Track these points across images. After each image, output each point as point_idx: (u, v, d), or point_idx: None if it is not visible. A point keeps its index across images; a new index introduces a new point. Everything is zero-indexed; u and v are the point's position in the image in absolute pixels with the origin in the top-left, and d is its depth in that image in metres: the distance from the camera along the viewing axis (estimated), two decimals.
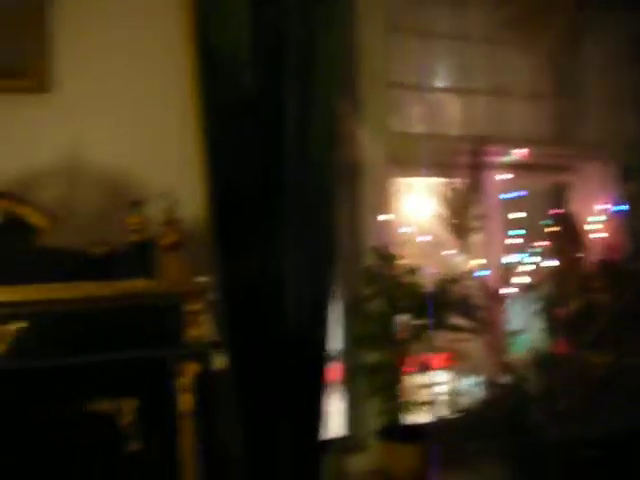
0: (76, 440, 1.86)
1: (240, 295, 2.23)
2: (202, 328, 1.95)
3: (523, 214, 2.95)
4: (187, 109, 2.29)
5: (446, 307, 2.63)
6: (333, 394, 2.56)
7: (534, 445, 2.60)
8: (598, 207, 3.26)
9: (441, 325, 2.60)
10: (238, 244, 2.27)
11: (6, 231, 1.86)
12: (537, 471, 2.61)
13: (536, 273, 2.88)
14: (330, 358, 2.46)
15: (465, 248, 2.76)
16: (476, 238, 2.81)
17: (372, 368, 2.55)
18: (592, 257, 3.00)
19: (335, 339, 2.50)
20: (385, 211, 2.69)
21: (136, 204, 1.94)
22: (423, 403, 2.65)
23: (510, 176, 2.99)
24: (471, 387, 2.86)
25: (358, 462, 2.59)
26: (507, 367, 2.78)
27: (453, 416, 2.74)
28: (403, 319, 2.56)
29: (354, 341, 2.60)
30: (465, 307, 2.69)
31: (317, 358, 2.39)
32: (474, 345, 2.82)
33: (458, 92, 3.03)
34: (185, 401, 1.93)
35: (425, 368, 2.74)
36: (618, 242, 3.21)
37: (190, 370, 1.93)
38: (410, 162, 2.74)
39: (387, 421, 2.58)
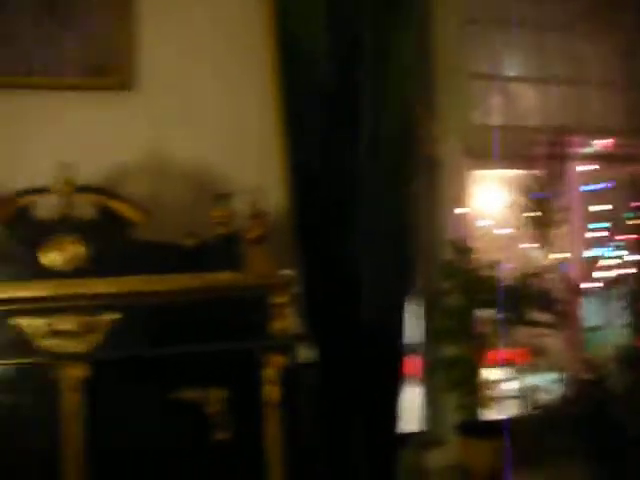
0: (167, 427, 1.92)
1: (320, 288, 2.25)
2: (287, 321, 1.97)
3: (606, 206, 2.87)
4: (268, 103, 2.32)
5: (526, 301, 2.58)
6: (411, 388, 2.55)
7: (615, 442, 2.54)
8: None
9: (520, 320, 2.55)
10: (318, 237, 2.29)
11: (102, 225, 1.92)
12: (618, 469, 2.55)
13: (619, 267, 2.80)
14: (408, 352, 2.45)
15: (545, 241, 2.71)
16: (557, 231, 2.75)
17: (450, 362, 2.53)
18: None
19: (413, 333, 2.50)
20: (463, 204, 2.66)
21: (222, 197, 1.97)
22: (501, 398, 2.61)
23: (592, 167, 2.91)
24: (550, 383, 2.80)
25: (436, 457, 2.57)
26: (588, 363, 2.71)
27: (532, 412, 2.69)
28: (482, 313, 2.53)
29: (432, 335, 2.58)
30: (545, 302, 2.64)
31: (395, 352, 2.39)
32: (553, 340, 2.77)
33: (536, 82, 2.96)
34: (271, 392, 1.96)
35: (504, 363, 2.71)
36: None
37: (276, 362, 1.96)
38: (488, 154, 2.70)
39: (465, 416, 2.55)
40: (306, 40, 2.29)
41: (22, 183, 1.92)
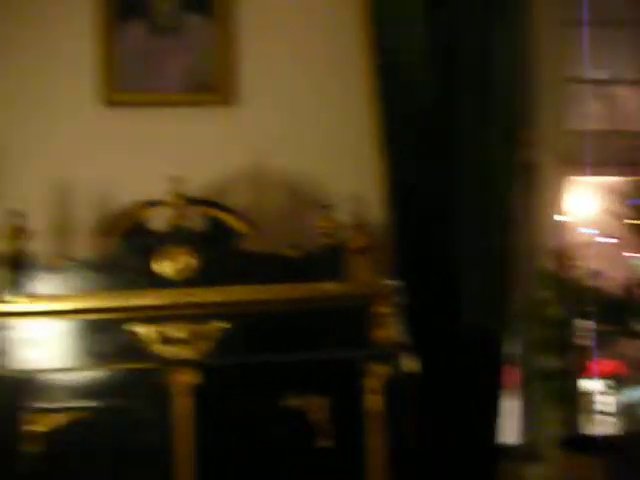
0: (271, 432, 1.97)
1: (418, 298, 2.25)
2: (390, 330, 1.98)
3: None
4: (366, 115, 2.35)
5: (629, 312, 2.49)
6: (508, 399, 2.51)
7: None
8: None
9: (625, 332, 2.47)
10: (416, 247, 2.30)
11: (211, 236, 1.99)
12: None
13: None
14: (506, 362, 2.42)
15: None
16: None
17: (550, 374, 2.48)
18: None
19: (511, 343, 2.45)
20: (562, 211, 2.60)
21: (326, 208, 2.01)
22: (605, 413, 2.53)
23: None
24: None
25: (535, 472, 2.51)
26: None
27: (636, 428, 2.59)
28: (583, 324, 2.46)
29: (531, 345, 2.53)
30: None
31: (494, 362, 2.36)
32: None
33: (636, 85, 2.86)
34: (373, 402, 1.98)
35: (604, 376, 2.62)
36: None
37: (378, 371, 1.97)
38: (587, 160, 2.62)
39: (566, 430, 2.49)
40: (403, 51, 2.31)
41: (136, 196, 2.03)
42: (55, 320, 1.91)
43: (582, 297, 2.47)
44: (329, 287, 1.97)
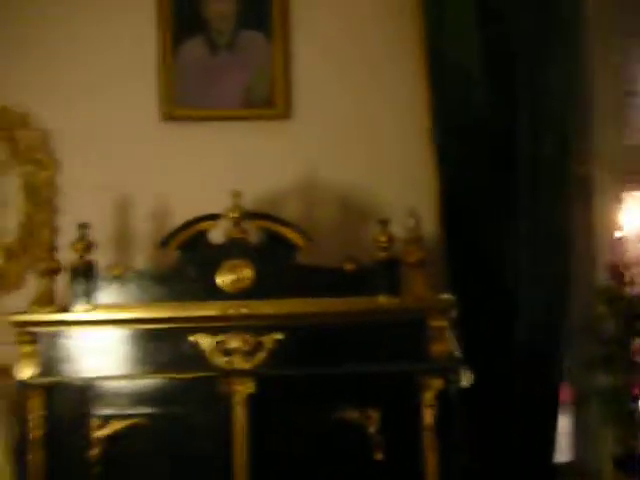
0: (326, 442, 1.98)
1: (474, 312, 2.24)
2: (446, 344, 1.97)
3: None
4: (418, 129, 2.37)
5: None
6: (563, 417, 2.47)
7: None
8: None
9: None
10: (470, 261, 2.29)
11: (268, 249, 2.03)
12: None
13: None
14: (562, 379, 2.38)
15: None
16: None
17: (606, 392, 2.43)
18: None
19: (567, 359, 2.42)
20: (619, 227, 2.56)
21: (383, 223, 2.02)
22: None
23: None
24: None
25: None
26: None
27: None
28: None
29: (587, 363, 2.48)
30: None
31: (551, 378, 2.33)
32: None
33: None
34: (429, 415, 1.97)
35: None
36: None
37: (434, 385, 1.97)
38: None
39: (621, 449, 2.43)
40: (458, 66, 2.32)
41: (195, 209, 2.07)
42: (118, 329, 1.97)
43: (639, 314, 2.42)
44: (385, 301, 1.98)
